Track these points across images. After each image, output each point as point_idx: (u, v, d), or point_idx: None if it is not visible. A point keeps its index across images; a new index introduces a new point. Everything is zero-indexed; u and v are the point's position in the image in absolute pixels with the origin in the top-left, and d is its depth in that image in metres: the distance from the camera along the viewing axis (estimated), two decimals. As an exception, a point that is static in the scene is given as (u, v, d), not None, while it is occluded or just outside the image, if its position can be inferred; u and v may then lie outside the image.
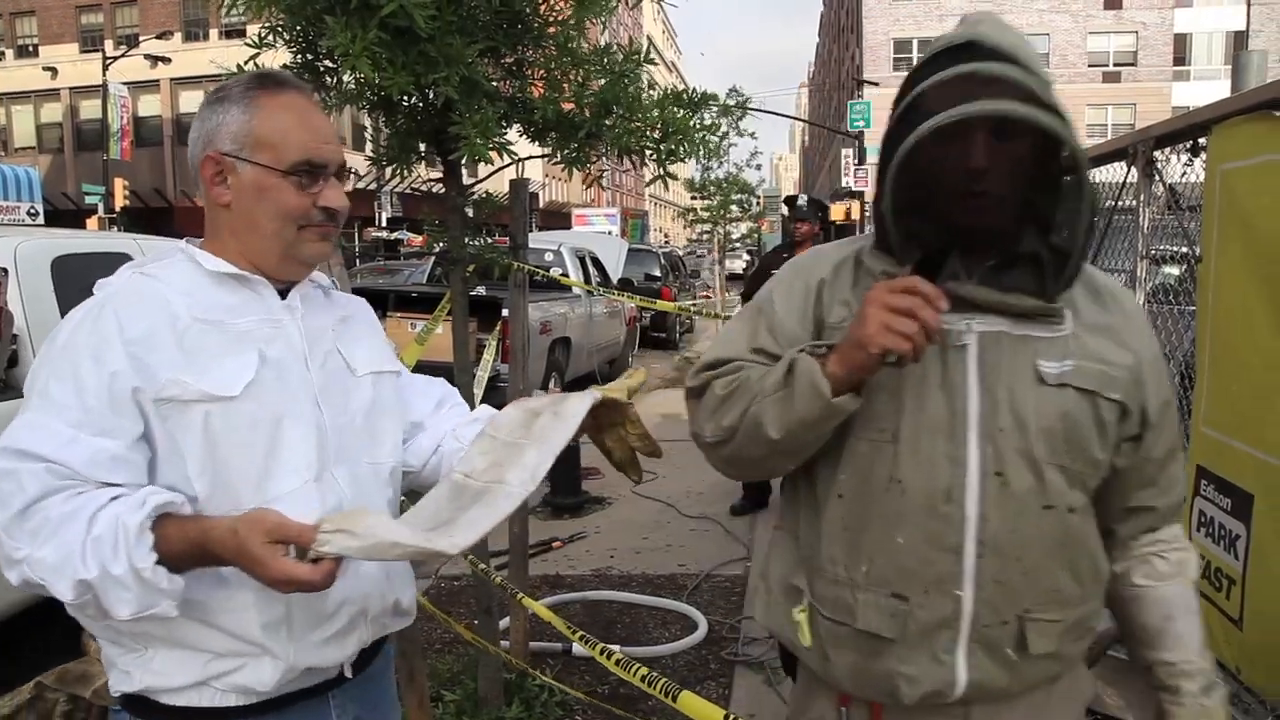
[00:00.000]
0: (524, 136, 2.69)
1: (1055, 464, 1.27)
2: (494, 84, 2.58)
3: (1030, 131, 1.22)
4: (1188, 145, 3.22)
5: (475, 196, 2.95)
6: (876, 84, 34.56)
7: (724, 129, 12.88)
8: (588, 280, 10.88)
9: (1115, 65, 39.88)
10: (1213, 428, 2.99)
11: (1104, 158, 3.83)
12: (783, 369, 1.29)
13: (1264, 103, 2.60)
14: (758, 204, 14.24)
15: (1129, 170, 3.59)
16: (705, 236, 13.78)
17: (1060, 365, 1.28)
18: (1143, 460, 1.36)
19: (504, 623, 3.75)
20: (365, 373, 1.46)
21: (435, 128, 2.55)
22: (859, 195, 27.35)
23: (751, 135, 13.02)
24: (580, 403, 1.36)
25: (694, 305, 16.42)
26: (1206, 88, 33.87)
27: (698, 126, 2.63)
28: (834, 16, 57.43)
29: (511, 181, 3.33)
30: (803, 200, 5.76)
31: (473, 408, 1.74)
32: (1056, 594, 1.30)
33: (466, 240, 2.90)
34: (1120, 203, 3.76)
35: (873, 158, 31.60)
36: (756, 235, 15.61)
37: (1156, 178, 3.45)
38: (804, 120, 39.50)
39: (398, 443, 1.52)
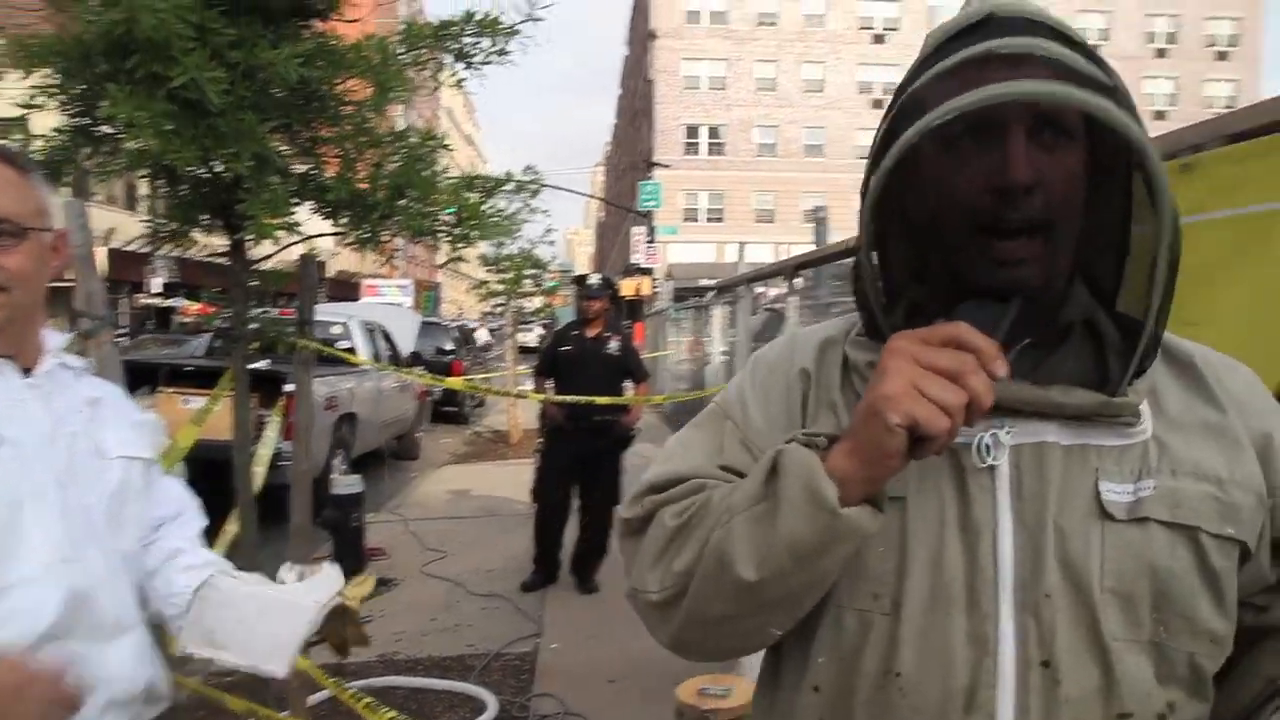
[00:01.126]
0: (316, 214, 2.68)
1: (1136, 643, 0.85)
2: (286, 161, 2.57)
3: (1082, 130, 0.86)
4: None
5: (260, 270, 2.89)
6: (667, 165, 36.19)
7: (517, 206, 13.07)
8: (377, 354, 10.62)
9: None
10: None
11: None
12: (762, 471, 0.87)
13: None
14: (551, 279, 14.42)
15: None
16: (499, 310, 13.80)
17: (1136, 489, 0.87)
18: None
19: (284, 715, 3.55)
20: (116, 456, 1.42)
21: (222, 202, 2.50)
22: (649, 272, 28.35)
23: (545, 213, 13.26)
24: (320, 593, 1.47)
25: (485, 380, 16.36)
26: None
27: (490, 211, 2.71)
28: (629, 101, 59.86)
29: (301, 257, 3.28)
30: (594, 279, 5.95)
31: (254, 488, 1.77)
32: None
33: (250, 314, 2.83)
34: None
35: (662, 235, 33.01)
36: (550, 310, 15.82)
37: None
38: (599, 198, 40.67)
39: (142, 530, 1.49)
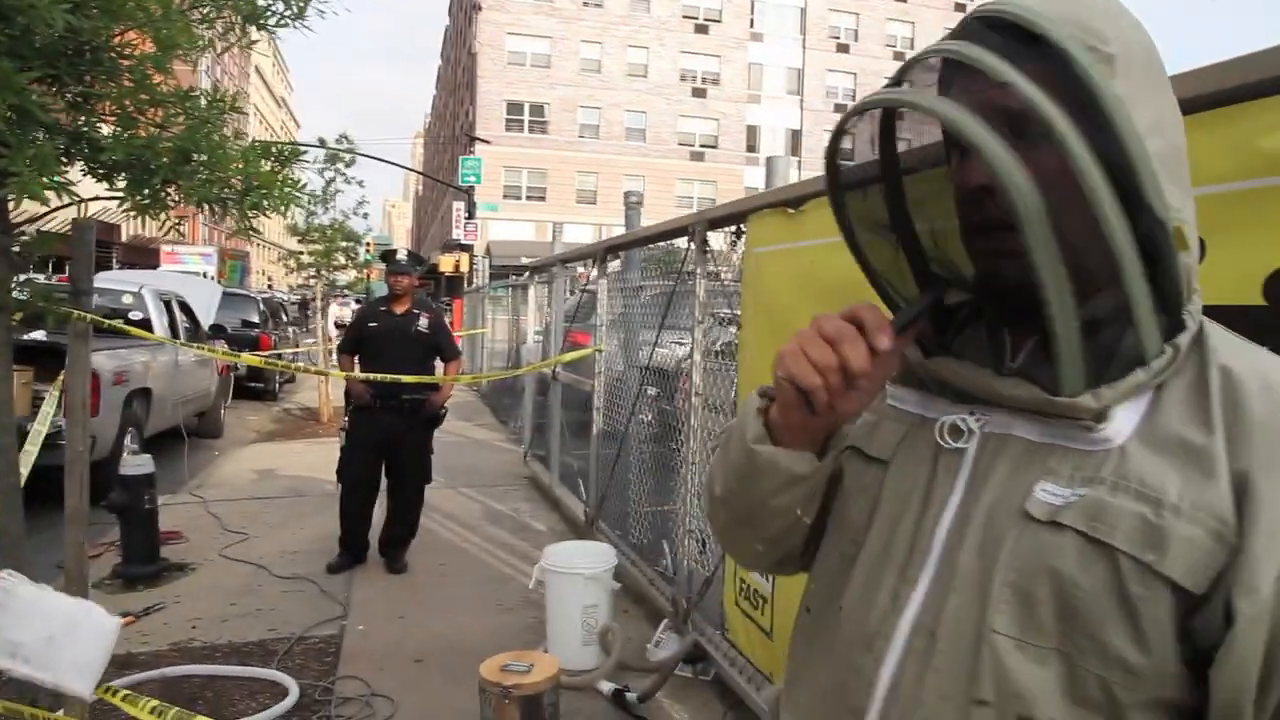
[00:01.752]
0: (89, 176, 2.50)
1: (1032, 645, 0.83)
2: (55, 116, 2.38)
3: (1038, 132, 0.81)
4: (733, 229, 3.77)
5: (26, 235, 2.67)
6: (489, 141, 35.64)
7: (330, 176, 12.56)
8: (174, 326, 9.98)
9: (700, 146, 44.68)
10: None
11: (669, 234, 4.35)
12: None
13: (780, 202, 3.15)
14: (366, 251, 13.97)
15: (689, 246, 4.11)
16: (311, 282, 13.25)
17: (1066, 494, 0.85)
18: (1235, 691, 0.77)
19: (59, 713, 3.33)
20: None
21: (-23, 158, 2.29)
22: (468, 248, 27.89)
23: (359, 184, 12.80)
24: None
25: (294, 355, 15.68)
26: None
27: (285, 181, 2.61)
28: (451, 72, 58.46)
29: (74, 222, 3.05)
30: (402, 254, 5.82)
31: (23, 469, 1.64)
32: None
33: (15, 284, 2.61)
34: (684, 272, 4.28)
35: (483, 212, 32.51)
36: (365, 284, 15.32)
37: (709, 254, 4.00)
38: (418, 171, 39.54)
39: None
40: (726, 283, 3.95)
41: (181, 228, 2.66)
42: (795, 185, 3.14)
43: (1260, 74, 1.57)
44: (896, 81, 0.93)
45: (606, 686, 3.92)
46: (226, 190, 2.52)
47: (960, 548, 0.88)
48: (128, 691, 2.76)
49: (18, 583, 1.38)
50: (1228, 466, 0.80)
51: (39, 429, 5.20)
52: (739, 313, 3.67)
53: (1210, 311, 1.58)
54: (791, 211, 3.10)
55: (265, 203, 2.48)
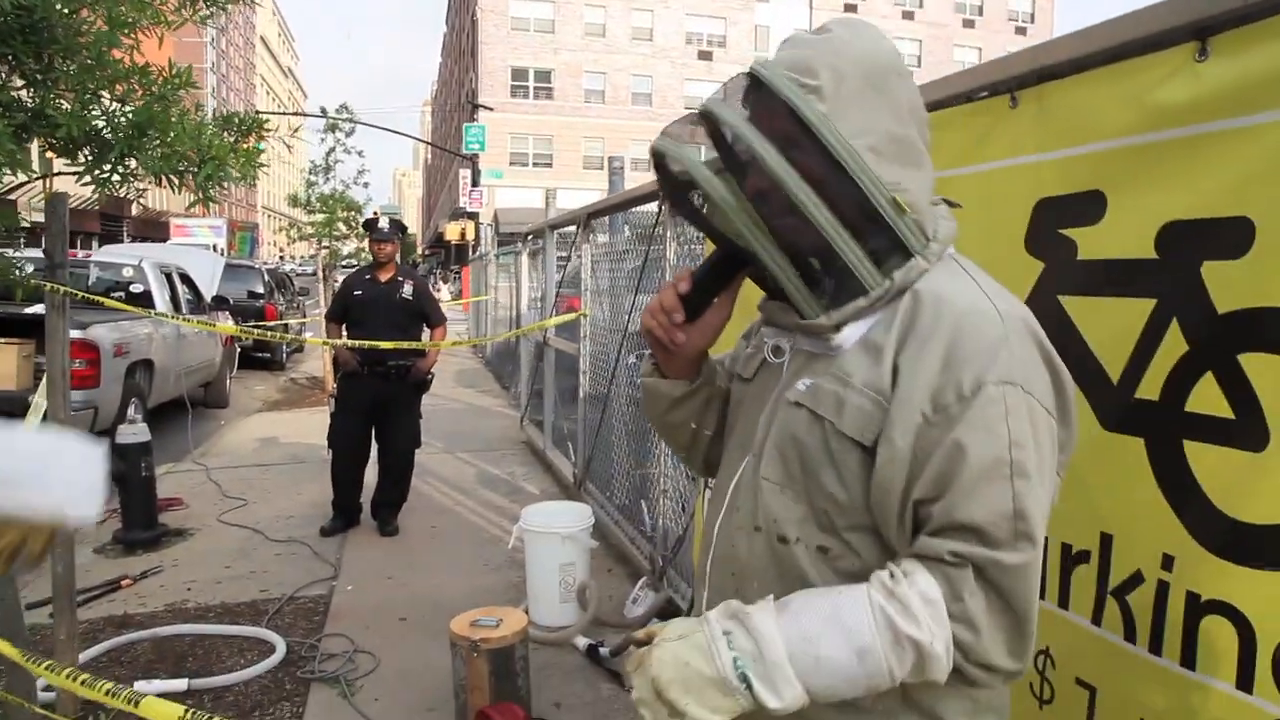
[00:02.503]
0: (48, 152, 2.57)
1: (778, 486, 1.20)
2: (12, 93, 2.45)
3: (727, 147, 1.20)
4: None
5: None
6: (492, 108, 35.49)
7: (331, 146, 12.60)
8: (175, 298, 10.09)
9: (707, 109, 44.30)
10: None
11: (642, 198, 4.40)
12: None
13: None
14: (367, 219, 14.03)
15: (660, 210, 4.16)
16: (320, 251, 13.34)
17: (805, 384, 1.20)
18: (883, 509, 1.12)
19: (44, 686, 3.47)
20: None
21: (-65, 135, 2.36)
22: (474, 216, 27.90)
23: (359, 153, 12.83)
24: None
25: (301, 325, 15.81)
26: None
27: (243, 151, 2.67)
28: (455, 39, 58.06)
29: (49, 197, 3.12)
30: (384, 223, 5.88)
31: None
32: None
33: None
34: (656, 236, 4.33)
35: (488, 180, 32.47)
36: (365, 254, 15.39)
37: (680, 218, 4.04)
38: (420, 139, 39.50)
39: None
40: (695, 245, 4.00)
41: (145, 199, 2.72)
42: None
43: (1151, 28, 1.60)
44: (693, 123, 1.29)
45: (581, 642, 4.03)
46: (183, 163, 2.58)
47: (760, 429, 1.26)
48: (86, 676, 2.88)
49: None
50: (891, 357, 1.12)
51: (39, 402, 5.33)
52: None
53: (1109, 265, 1.63)
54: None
55: (220, 173, 2.54)
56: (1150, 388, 1.51)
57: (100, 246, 14.60)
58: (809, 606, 1.08)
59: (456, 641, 3.30)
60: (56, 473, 1.21)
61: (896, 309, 1.15)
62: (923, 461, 1.07)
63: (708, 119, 1.23)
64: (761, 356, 1.33)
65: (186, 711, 1.45)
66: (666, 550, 4.37)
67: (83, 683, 1.62)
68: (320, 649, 4.09)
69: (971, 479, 1.04)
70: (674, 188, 1.28)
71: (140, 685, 3.66)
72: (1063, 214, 1.76)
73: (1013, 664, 1.07)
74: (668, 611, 4.16)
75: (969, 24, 47.66)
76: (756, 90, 1.18)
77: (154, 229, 39.34)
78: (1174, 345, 1.47)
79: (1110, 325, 1.60)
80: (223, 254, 18.75)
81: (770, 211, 1.15)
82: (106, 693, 1.54)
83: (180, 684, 3.71)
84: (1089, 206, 1.71)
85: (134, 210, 39.07)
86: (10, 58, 2.43)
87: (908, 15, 47.13)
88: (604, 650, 3.92)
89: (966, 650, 1.05)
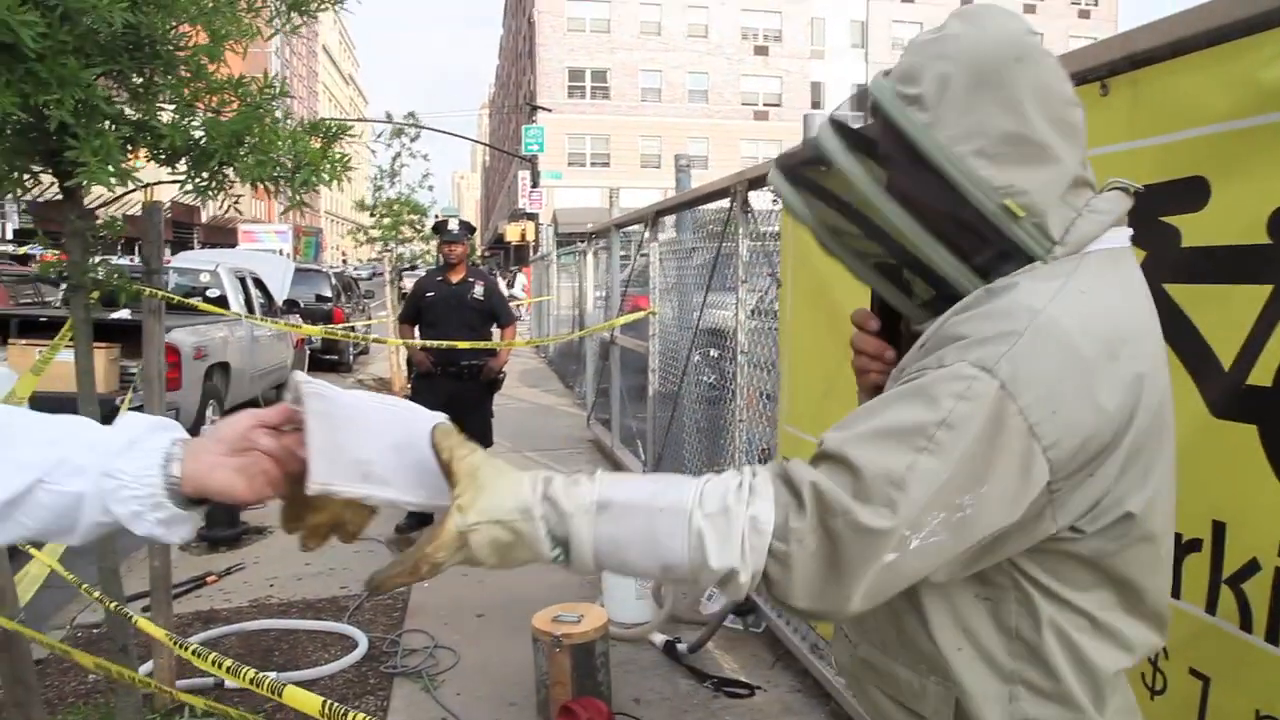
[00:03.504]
0: (152, 161, 2.67)
1: None
2: (118, 106, 2.55)
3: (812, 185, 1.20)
4: (773, 187, 3.81)
5: (100, 219, 2.87)
6: (550, 109, 35.75)
7: (397, 151, 12.82)
8: (249, 302, 10.37)
9: (764, 105, 44.13)
10: (791, 424, 3.57)
11: (711, 195, 4.41)
12: None
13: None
14: (436, 220, 14.27)
15: (731, 207, 4.17)
16: (384, 255, 13.60)
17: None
18: None
19: (148, 667, 3.60)
20: None
21: (50, 149, 2.47)
22: (534, 217, 28.16)
23: (424, 157, 13.04)
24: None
25: (366, 327, 16.11)
26: (835, 130, 38.69)
27: (333, 157, 2.75)
28: (512, 41, 58.62)
29: (145, 206, 3.25)
30: (454, 225, 5.98)
31: None
32: (855, 619, 1.17)
33: (90, 264, 2.81)
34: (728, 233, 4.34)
35: (547, 180, 32.75)
36: (435, 256, 15.64)
37: (750, 214, 4.05)
38: (480, 142, 40.03)
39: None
40: (767, 241, 4.00)
41: (239, 206, 2.82)
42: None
43: (1254, 9, 1.57)
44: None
45: (658, 638, 4.06)
46: (278, 169, 2.66)
47: None
48: (196, 645, 2.98)
49: (326, 385, 1.07)
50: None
51: (128, 405, 5.54)
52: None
53: (1217, 252, 1.61)
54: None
55: (314, 178, 2.62)
56: (1263, 374, 1.48)
57: (173, 253, 15.05)
58: (630, 514, 1.02)
59: (539, 636, 3.35)
60: (409, 455, 1.05)
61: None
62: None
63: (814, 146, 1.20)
64: None
65: (324, 704, 1.51)
66: (741, 546, 4.37)
67: (228, 670, 1.69)
68: (401, 644, 4.18)
69: (878, 429, 0.99)
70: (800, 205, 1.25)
71: (230, 681, 3.77)
72: (1163, 201, 1.73)
73: (809, 605, 1.01)
74: (744, 608, 4.17)
75: (1030, 9, 46.62)
76: (865, 108, 1.17)
77: (222, 235, 40.37)
78: (1291, 332, 1.45)
79: (1220, 312, 1.58)
80: (289, 259, 19.16)
81: (874, 242, 1.15)
82: (250, 680, 1.61)
83: (270, 676, 3.81)
84: (1191, 193, 1.68)
85: (203, 218, 40.15)
86: (116, 73, 2.53)
87: (966, 1, 46.33)
88: (681, 646, 3.94)
89: (771, 584, 1.00)
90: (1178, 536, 1.65)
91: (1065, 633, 1.06)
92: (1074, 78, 2.03)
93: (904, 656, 1.15)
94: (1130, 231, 1.14)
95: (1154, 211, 1.75)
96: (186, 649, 1.86)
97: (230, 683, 3.75)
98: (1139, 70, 1.82)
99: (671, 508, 1.01)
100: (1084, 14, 46.88)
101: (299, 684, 3.84)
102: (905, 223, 1.08)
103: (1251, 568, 1.49)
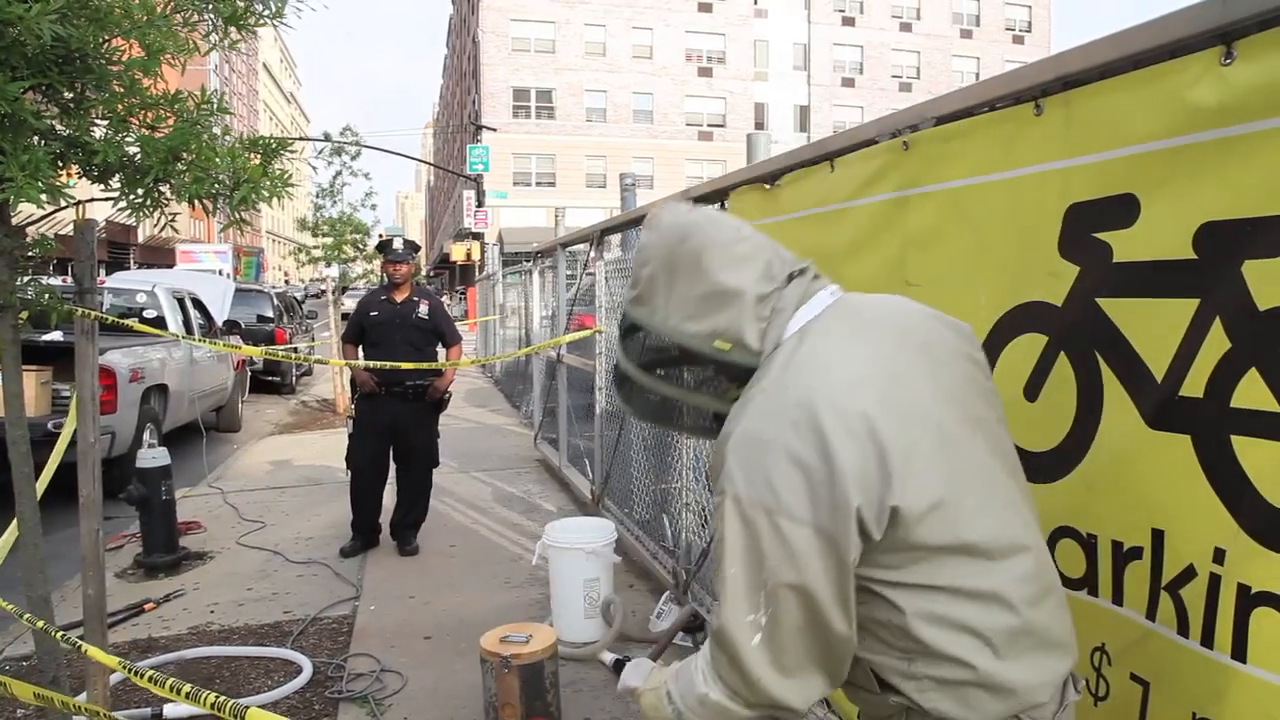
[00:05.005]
0: (84, 178, 2.60)
1: None
2: (47, 121, 2.48)
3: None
4: (717, 206, 3.84)
5: (30, 237, 2.78)
6: (495, 129, 35.67)
7: (338, 169, 12.67)
8: (188, 322, 10.15)
9: (709, 126, 44.55)
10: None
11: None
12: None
13: (759, 177, 3.22)
14: (381, 239, 14.12)
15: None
16: (324, 273, 13.41)
17: None
18: None
19: (81, 698, 3.48)
20: None
21: (-25, 165, 2.40)
22: (479, 236, 28.00)
23: (365, 175, 12.89)
24: None
25: (309, 348, 15.85)
26: (779, 149, 39.14)
27: (273, 173, 2.70)
28: (456, 61, 58.44)
29: (77, 224, 3.16)
30: (398, 244, 5.92)
31: (37, 465, 1.68)
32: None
33: (19, 283, 2.73)
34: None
35: (493, 200, 32.63)
36: (378, 275, 15.44)
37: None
38: (425, 161, 39.71)
39: None
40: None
41: (177, 224, 2.76)
42: (770, 161, 3.21)
43: (1176, 33, 1.62)
44: None
45: (608, 657, 4.03)
46: (217, 186, 2.61)
47: None
48: (153, 672, 2.89)
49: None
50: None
51: (68, 429, 5.37)
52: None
53: (1146, 267, 1.65)
54: (768, 187, 3.18)
55: (254, 195, 2.57)
56: (1194, 385, 1.52)
57: (109, 273, 14.68)
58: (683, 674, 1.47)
59: (487, 658, 3.30)
60: None
61: None
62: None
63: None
64: None
65: None
66: (690, 564, 4.37)
67: (186, 695, 1.65)
68: (347, 669, 4.10)
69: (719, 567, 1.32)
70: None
71: (169, 709, 3.67)
72: (1095, 218, 1.78)
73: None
74: (693, 625, 4.16)
75: (966, 34, 47.90)
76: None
77: (160, 255, 39.50)
78: (1217, 343, 1.49)
79: (1151, 326, 1.62)
80: (229, 279, 18.79)
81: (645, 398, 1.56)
82: (211, 705, 1.58)
83: (230, 702, 3.71)
84: (1122, 210, 1.73)
85: (139, 237, 39.24)
86: (45, 87, 2.46)
87: (905, 27, 47.36)
88: (631, 664, 3.92)
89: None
90: (1118, 544, 1.69)
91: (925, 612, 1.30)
92: (1009, 97, 2.10)
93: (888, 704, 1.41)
94: (828, 290, 1.45)
95: (1086, 228, 1.79)
96: (141, 675, 1.80)
97: (176, 709, 3.64)
98: (1071, 91, 1.87)
99: (689, 665, 1.49)
100: (1018, 39, 48.26)
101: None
102: (657, 383, 1.51)
103: (1188, 574, 1.53)
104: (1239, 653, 1.44)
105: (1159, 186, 1.66)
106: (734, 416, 1.36)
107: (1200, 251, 1.56)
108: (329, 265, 12.68)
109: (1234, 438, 1.44)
